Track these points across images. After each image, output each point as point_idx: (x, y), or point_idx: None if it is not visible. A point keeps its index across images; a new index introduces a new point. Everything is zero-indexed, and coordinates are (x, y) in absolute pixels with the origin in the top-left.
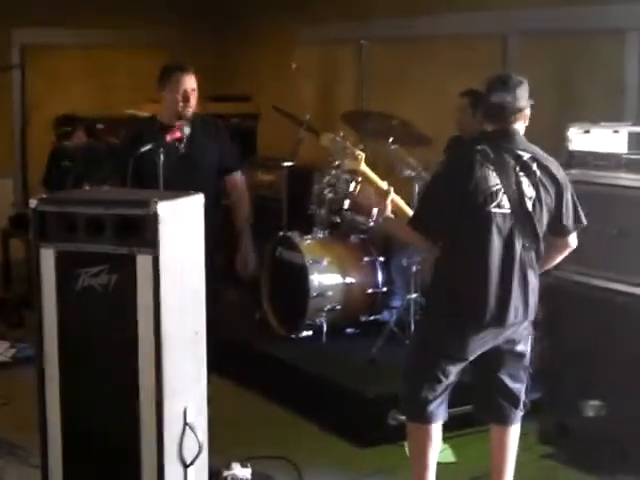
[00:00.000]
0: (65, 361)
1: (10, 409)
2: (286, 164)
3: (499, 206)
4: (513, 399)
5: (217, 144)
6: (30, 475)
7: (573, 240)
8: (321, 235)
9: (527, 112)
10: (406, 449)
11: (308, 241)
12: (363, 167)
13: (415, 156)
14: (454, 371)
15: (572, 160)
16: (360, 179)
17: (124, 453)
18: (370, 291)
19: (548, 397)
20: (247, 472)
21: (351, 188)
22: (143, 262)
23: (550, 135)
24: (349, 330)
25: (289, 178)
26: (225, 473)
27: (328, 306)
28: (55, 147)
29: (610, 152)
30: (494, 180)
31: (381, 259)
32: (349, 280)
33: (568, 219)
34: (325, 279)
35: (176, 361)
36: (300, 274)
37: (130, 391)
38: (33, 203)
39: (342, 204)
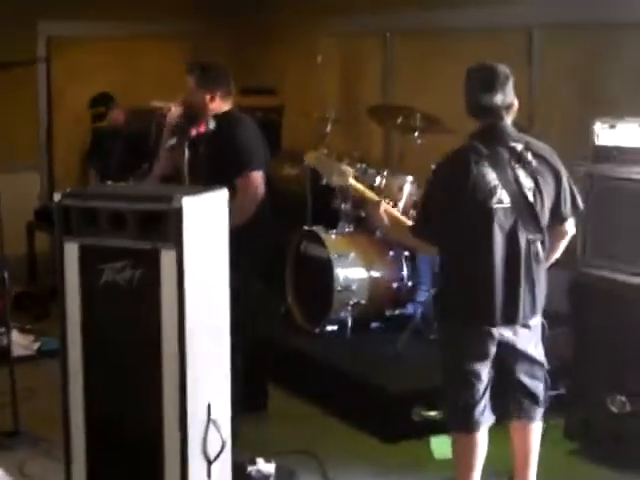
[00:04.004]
0: (89, 355)
1: (34, 402)
2: None
3: (500, 201)
4: (533, 396)
5: (220, 146)
6: (53, 468)
7: (570, 227)
8: (346, 229)
9: (515, 104)
10: (431, 444)
11: (333, 235)
12: (351, 181)
13: (442, 149)
14: (483, 370)
15: (598, 155)
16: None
17: (147, 448)
18: (395, 285)
19: (573, 393)
20: (271, 467)
21: (376, 182)
22: (167, 257)
23: (575, 130)
24: (374, 324)
25: (314, 172)
26: (249, 468)
27: (353, 300)
28: (94, 128)
29: (637, 147)
30: (491, 176)
31: (406, 253)
32: (374, 274)
33: (566, 205)
34: (350, 273)
35: (199, 357)
36: (325, 268)
37: (153, 386)
38: (57, 197)
39: None
